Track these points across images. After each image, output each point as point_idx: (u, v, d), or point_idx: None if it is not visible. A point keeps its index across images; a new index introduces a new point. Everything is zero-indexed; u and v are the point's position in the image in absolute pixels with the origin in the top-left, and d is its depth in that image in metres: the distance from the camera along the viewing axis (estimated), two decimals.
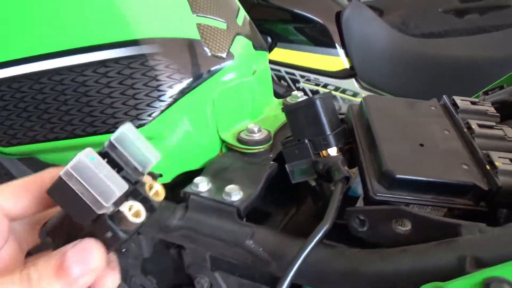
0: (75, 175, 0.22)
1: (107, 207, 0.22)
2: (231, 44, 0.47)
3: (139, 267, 0.48)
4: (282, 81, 1.63)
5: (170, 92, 0.42)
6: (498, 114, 0.41)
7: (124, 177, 0.23)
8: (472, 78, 1.35)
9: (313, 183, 0.43)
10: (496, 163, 0.33)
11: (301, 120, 0.40)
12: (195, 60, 0.44)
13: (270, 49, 1.60)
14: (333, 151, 0.40)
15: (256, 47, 0.52)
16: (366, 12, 1.56)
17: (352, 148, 0.42)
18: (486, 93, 0.54)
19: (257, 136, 0.44)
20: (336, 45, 1.54)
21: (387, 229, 0.32)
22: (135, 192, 0.24)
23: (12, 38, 0.44)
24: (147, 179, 0.25)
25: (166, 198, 0.26)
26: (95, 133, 0.42)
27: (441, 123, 0.40)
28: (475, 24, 2.03)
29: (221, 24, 0.47)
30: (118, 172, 0.23)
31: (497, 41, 1.44)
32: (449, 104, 0.42)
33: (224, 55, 0.46)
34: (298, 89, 1.62)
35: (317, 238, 0.31)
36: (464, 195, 0.33)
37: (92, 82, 0.42)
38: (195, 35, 0.44)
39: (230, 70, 0.47)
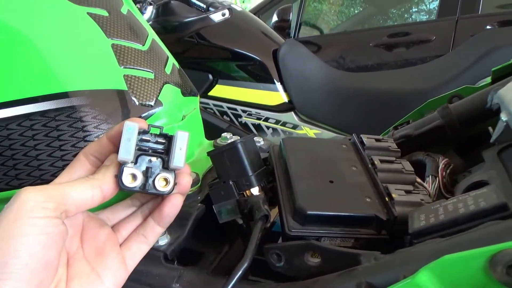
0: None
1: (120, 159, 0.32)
2: (159, 93, 0.50)
3: None
4: (225, 116, 1.67)
5: None
6: (399, 149, 0.46)
7: (154, 155, 0.34)
8: (400, 109, 1.47)
9: (241, 221, 0.45)
10: (393, 195, 0.38)
11: (225, 163, 0.43)
12: (122, 110, 0.46)
13: (211, 86, 1.65)
14: (255, 190, 0.43)
15: (185, 93, 0.55)
16: (301, 49, 1.66)
17: (274, 186, 0.45)
18: (396, 128, 0.60)
19: None
20: (275, 80, 1.62)
21: (301, 262, 0.35)
22: (149, 170, 0.33)
23: None
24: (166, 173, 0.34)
25: None
26: (20, 186, 0.42)
27: (350, 160, 0.44)
28: (402, 57, 2.23)
29: (148, 74, 0.50)
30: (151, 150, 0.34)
31: (422, 73, 1.57)
32: (357, 142, 0.47)
33: (152, 103, 0.49)
34: (240, 123, 1.66)
35: (236, 277, 0.33)
36: (367, 225, 0.37)
37: (16, 136, 0.42)
38: (122, 86, 0.46)
39: (159, 117, 0.49)
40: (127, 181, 0.33)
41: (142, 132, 0.33)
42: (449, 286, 0.25)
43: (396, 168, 0.42)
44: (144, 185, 0.33)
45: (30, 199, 0.27)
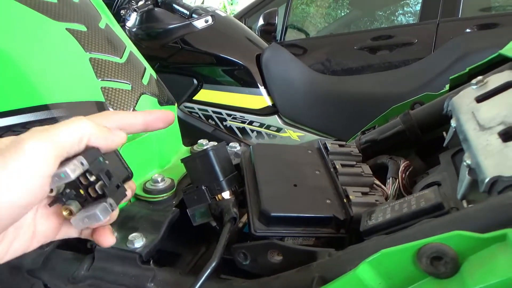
0: None
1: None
2: (136, 103, 0.53)
3: None
4: (210, 120, 1.70)
5: None
6: (360, 154, 0.49)
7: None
8: (381, 111, 1.51)
9: (214, 224, 0.48)
10: (351, 197, 0.41)
11: (197, 169, 0.46)
12: None
13: (196, 91, 1.68)
14: (226, 194, 0.46)
15: (162, 103, 0.58)
16: (284, 53, 1.70)
17: (244, 190, 0.48)
18: (363, 132, 0.64)
19: (161, 185, 0.49)
20: (258, 85, 1.65)
21: (264, 260, 0.38)
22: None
23: None
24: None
25: None
26: None
27: (314, 164, 0.48)
28: (386, 60, 2.28)
29: (125, 85, 0.52)
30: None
31: (400, 77, 1.62)
32: (322, 147, 0.50)
33: None
34: (225, 127, 1.69)
35: (205, 274, 0.36)
36: (327, 225, 0.40)
37: None
38: (99, 97, 0.49)
39: None
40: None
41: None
42: (385, 276, 0.28)
43: (356, 172, 0.45)
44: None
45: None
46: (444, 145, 0.47)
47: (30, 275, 0.45)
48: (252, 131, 1.67)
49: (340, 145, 0.50)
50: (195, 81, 1.69)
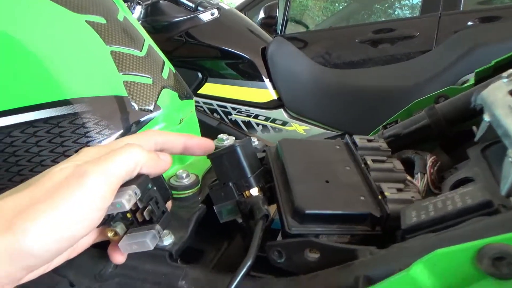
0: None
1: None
2: (157, 97, 0.51)
3: None
4: (215, 114, 1.68)
5: None
6: (389, 149, 0.48)
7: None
8: (385, 105, 1.51)
9: (240, 221, 0.47)
10: (386, 193, 0.40)
11: (224, 165, 0.45)
12: (123, 115, 0.47)
13: (201, 85, 1.66)
14: (254, 191, 0.45)
15: (182, 97, 0.56)
16: (289, 47, 1.69)
17: (272, 186, 0.47)
18: (385, 127, 0.63)
19: (186, 181, 0.48)
20: (264, 78, 1.64)
21: (300, 258, 0.37)
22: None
23: None
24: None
25: None
26: None
27: (344, 160, 0.47)
28: (387, 53, 2.27)
29: (147, 79, 0.51)
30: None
31: (406, 70, 1.61)
32: (350, 142, 0.49)
33: (151, 108, 0.50)
34: (230, 120, 1.68)
35: (241, 274, 0.35)
36: (362, 222, 0.39)
37: (20, 142, 0.43)
38: (122, 92, 0.48)
39: (158, 122, 0.51)
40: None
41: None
42: (440, 277, 0.27)
43: (388, 167, 0.44)
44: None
45: None
46: (476, 140, 0.46)
47: (54, 273, 0.44)
48: (258, 124, 1.66)
49: (369, 140, 0.49)
50: (200, 75, 1.67)
